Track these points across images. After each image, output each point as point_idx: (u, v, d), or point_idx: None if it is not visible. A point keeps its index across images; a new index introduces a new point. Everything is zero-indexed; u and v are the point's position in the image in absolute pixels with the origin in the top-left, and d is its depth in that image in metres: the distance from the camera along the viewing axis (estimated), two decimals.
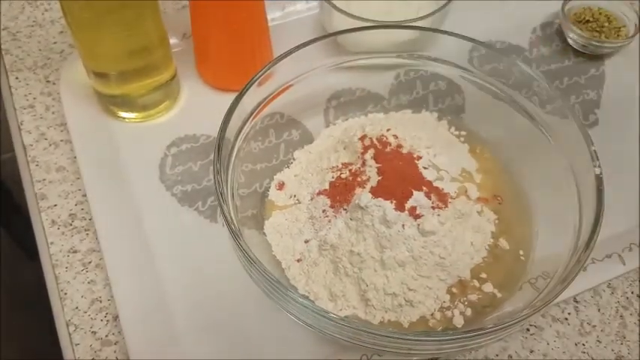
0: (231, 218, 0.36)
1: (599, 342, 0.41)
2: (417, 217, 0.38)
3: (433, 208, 0.39)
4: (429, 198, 0.39)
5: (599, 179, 0.37)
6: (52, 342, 0.42)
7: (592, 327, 0.42)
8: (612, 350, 0.41)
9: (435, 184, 0.41)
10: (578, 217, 0.38)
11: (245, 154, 0.43)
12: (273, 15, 0.56)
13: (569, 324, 0.42)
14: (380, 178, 0.40)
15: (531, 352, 0.41)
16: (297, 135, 0.48)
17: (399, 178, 0.39)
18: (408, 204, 0.38)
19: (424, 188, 0.39)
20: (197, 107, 0.52)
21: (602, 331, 0.42)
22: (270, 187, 0.45)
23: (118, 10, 0.42)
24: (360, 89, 0.51)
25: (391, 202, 0.38)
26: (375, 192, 0.38)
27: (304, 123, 0.49)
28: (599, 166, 0.38)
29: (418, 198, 0.38)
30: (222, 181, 0.38)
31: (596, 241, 0.35)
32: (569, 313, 0.42)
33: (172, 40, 0.51)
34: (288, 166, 0.46)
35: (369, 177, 0.40)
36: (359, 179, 0.40)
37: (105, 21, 0.42)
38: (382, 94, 0.51)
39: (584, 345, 0.41)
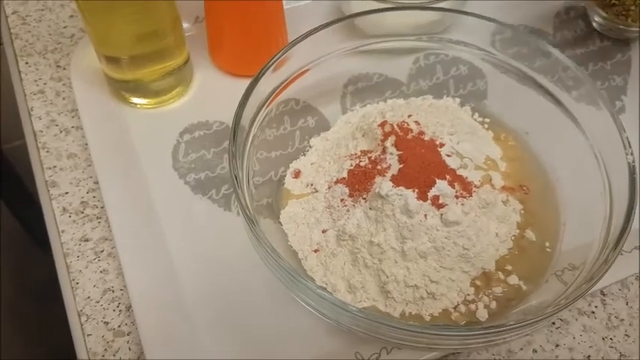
0: (246, 204, 0.35)
1: (628, 336, 0.40)
2: (440, 206, 0.37)
3: (457, 197, 0.37)
4: (453, 187, 0.38)
5: (632, 168, 0.36)
6: (64, 333, 0.41)
7: (620, 321, 0.40)
8: None
9: (459, 172, 0.39)
10: (609, 208, 0.37)
11: (260, 142, 0.42)
12: None
13: (595, 317, 0.41)
14: (401, 166, 0.38)
15: (557, 346, 0.39)
16: (313, 122, 0.47)
17: (421, 166, 0.38)
18: (431, 193, 0.37)
19: (447, 177, 0.38)
20: (210, 93, 0.50)
21: (630, 325, 0.40)
22: (285, 176, 0.43)
23: None
24: (378, 74, 0.49)
25: (413, 191, 0.36)
26: (396, 180, 0.37)
27: (320, 109, 0.48)
28: (632, 154, 0.36)
29: (441, 187, 0.37)
30: (238, 166, 0.36)
31: (626, 238, 0.33)
32: (595, 307, 0.41)
33: (184, 24, 0.50)
34: (304, 154, 0.45)
35: (390, 165, 0.39)
36: (379, 167, 0.39)
37: (116, 4, 0.41)
38: (401, 80, 0.49)
39: (611, 339, 0.40)
